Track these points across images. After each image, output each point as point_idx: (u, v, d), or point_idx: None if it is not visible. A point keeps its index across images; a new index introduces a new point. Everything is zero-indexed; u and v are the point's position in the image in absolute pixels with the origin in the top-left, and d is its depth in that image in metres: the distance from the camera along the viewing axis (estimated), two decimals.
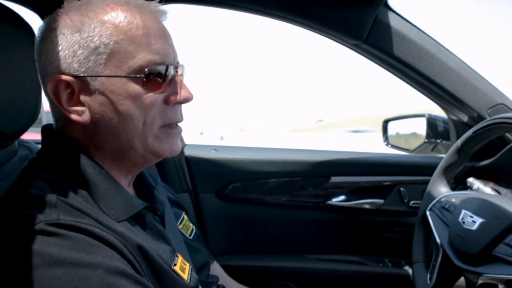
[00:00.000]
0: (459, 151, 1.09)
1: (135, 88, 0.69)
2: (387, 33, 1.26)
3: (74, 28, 0.68)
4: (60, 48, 0.69)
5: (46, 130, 0.76)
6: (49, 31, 0.70)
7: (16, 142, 0.95)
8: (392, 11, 1.27)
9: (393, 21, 1.26)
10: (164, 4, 0.76)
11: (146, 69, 0.68)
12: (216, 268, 1.11)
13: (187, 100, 0.75)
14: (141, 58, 0.68)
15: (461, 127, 1.47)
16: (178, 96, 0.74)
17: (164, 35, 0.72)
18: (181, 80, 0.75)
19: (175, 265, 0.74)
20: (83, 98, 0.69)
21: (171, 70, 0.72)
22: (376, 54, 1.33)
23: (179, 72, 0.75)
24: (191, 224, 0.99)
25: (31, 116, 0.88)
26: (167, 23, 0.76)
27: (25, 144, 1.01)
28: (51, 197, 0.62)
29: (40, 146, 1.01)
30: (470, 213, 0.93)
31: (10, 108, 0.81)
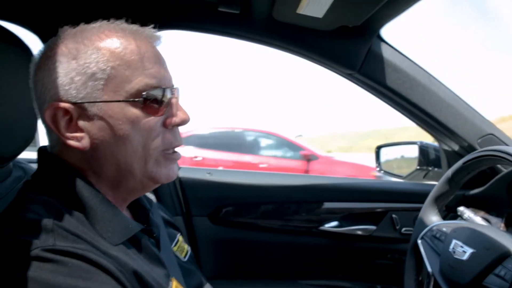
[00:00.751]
0: (450, 181, 1.11)
1: (134, 112, 0.69)
2: (380, 63, 1.29)
3: (70, 56, 0.69)
4: (57, 75, 0.69)
5: (42, 152, 0.76)
6: (45, 59, 0.71)
7: (11, 163, 0.95)
8: (385, 42, 1.31)
9: (385, 52, 1.30)
10: (159, 31, 0.78)
11: (143, 93, 0.69)
12: None
13: (184, 121, 0.76)
14: (138, 82, 0.69)
15: (452, 156, 1.49)
16: (176, 118, 0.75)
17: (158, 60, 0.74)
18: (177, 103, 0.76)
19: None
20: (81, 124, 0.70)
21: (168, 93, 0.73)
22: (369, 84, 1.36)
23: (175, 94, 0.76)
24: (186, 246, 0.98)
25: (27, 138, 0.88)
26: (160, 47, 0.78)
27: (19, 165, 1.01)
28: (47, 222, 0.62)
29: (34, 165, 1.01)
30: (460, 243, 0.94)
31: (7, 130, 0.81)
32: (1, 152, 0.80)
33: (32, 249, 0.57)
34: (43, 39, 1.23)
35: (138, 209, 0.86)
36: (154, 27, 0.77)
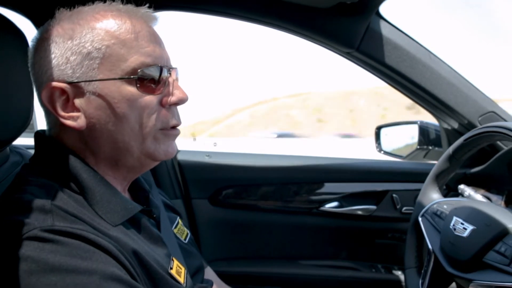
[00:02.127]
0: (451, 158, 1.11)
1: (130, 90, 0.70)
2: (379, 41, 1.27)
3: (66, 36, 0.70)
4: (53, 56, 0.70)
5: (39, 136, 0.76)
6: (42, 41, 0.72)
7: (8, 148, 0.95)
8: (384, 19, 1.29)
9: (385, 29, 1.28)
10: (155, 11, 0.77)
11: (139, 71, 0.69)
12: (209, 274, 1.11)
13: (182, 100, 0.76)
14: (134, 60, 0.69)
15: (452, 135, 1.48)
16: (173, 97, 0.74)
17: (155, 39, 0.74)
18: (175, 82, 0.76)
19: (171, 268, 0.74)
20: (78, 103, 0.70)
21: (165, 72, 0.73)
22: (368, 62, 1.34)
23: (173, 74, 0.76)
24: (185, 229, 0.99)
25: (23, 122, 0.87)
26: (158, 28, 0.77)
27: (16, 150, 1.01)
28: (46, 203, 0.62)
29: (31, 151, 1.01)
30: (461, 220, 0.94)
31: (2, 115, 0.80)
32: None
33: (30, 229, 0.58)
34: (36, 23, 1.21)
35: (138, 191, 0.87)
36: (149, 8, 0.76)
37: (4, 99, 0.81)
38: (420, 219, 1.11)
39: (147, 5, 0.76)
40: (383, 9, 1.26)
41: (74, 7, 0.74)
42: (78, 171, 0.70)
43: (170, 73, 0.75)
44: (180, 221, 0.99)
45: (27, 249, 0.56)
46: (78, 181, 0.69)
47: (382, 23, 1.28)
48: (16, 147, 1.01)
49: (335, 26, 1.27)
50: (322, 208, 1.57)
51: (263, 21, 1.30)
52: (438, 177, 1.14)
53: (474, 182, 1.33)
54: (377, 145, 1.78)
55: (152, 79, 0.71)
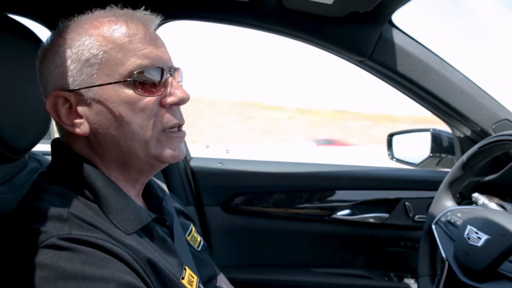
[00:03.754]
0: (465, 166, 1.10)
1: (128, 93, 0.70)
2: (392, 50, 1.28)
3: (66, 46, 0.71)
4: (54, 66, 0.71)
5: (55, 144, 0.78)
6: (46, 52, 0.74)
7: (26, 154, 0.97)
8: (397, 28, 1.29)
9: (397, 38, 1.28)
10: (165, 22, 0.78)
11: (134, 73, 0.70)
12: (222, 281, 1.11)
13: (182, 100, 0.75)
14: (131, 64, 0.70)
15: (466, 142, 1.47)
16: (173, 97, 0.74)
17: (152, 40, 0.74)
18: (175, 82, 0.75)
19: (183, 278, 0.74)
20: (80, 110, 0.71)
21: (164, 73, 0.73)
22: (381, 71, 1.34)
23: (176, 76, 0.76)
24: (198, 236, 0.99)
25: (41, 130, 0.89)
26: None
27: (34, 157, 1.03)
28: (63, 212, 0.63)
29: (48, 157, 1.03)
30: (475, 229, 0.93)
31: (21, 123, 0.82)
32: (16, 144, 0.81)
33: (48, 237, 0.58)
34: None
35: (152, 198, 0.87)
36: (161, 18, 0.78)
37: (23, 107, 0.83)
38: (433, 227, 1.10)
39: (143, 7, 0.77)
40: (395, 17, 1.26)
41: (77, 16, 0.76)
42: (93, 180, 0.71)
43: (170, 74, 0.75)
44: (193, 228, 0.99)
45: (45, 257, 0.57)
46: (93, 189, 0.70)
47: (395, 31, 1.28)
48: (34, 153, 1.03)
49: (347, 35, 1.28)
50: (334, 216, 1.57)
51: (276, 30, 1.31)
52: (451, 185, 1.13)
53: (488, 190, 1.32)
54: (389, 152, 1.77)
55: (151, 80, 0.71)
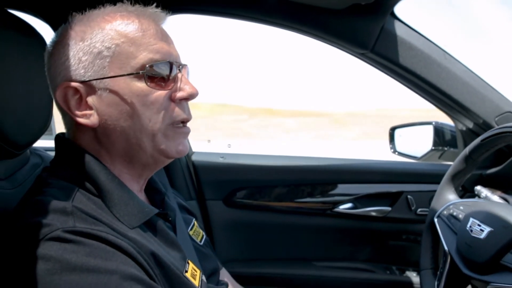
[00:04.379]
0: (467, 158, 1.10)
1: (139, 86, 0.71)
2: (394, 42, 1.27)
3: (78, 38, 0.72)
4: (66, 58, 0.72)
5: (59, 139, 0.78)
6: (56, 45, 0.74)
7: (28, 150, 0.97)
8: (399, 20, 1.28)
9: (399, 30, 1.27)
10: (171, 15, 0.79)
11: (147, 66, 0.71)
12: (224, 275, 1.12)
13: (192, 95, 0.76)
14: (142, 57, 0.71)
15: (468, 135, 1.47)
16: (183, 92, 0.75)
17: (163, 37, 0.75)
18: (185, 77, 0.77)
19: (186, 271, 0.75)
20: (90, 101, 0.72)
21: (174, 68, 0.74)
22: (383, 63, 1.34)
23: (184, 72, 0.77)
24: (201, 230, 1.00)
25: (42, 125, 0.90)
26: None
27: (36, 152, 1.03)
28: (67, 205, 0.64)
29: (50, 153, 1.03)
30: (478, 222, 0.93)
31: (22, 118, 0.82)
32: (18, 140, 0.81)
33: (53, 230, 0.59)
34: (54, 27, 1.24)
35: (154, 193, 0.88)
36: (166, 11, 0.78)
37: (25, 103, 0.83)
38: (436, 220, 1.10)
39: (155, 6, 0.78)
40: (398, 9, 1.25)
41: (89, 10, 0.77)
42: (97, 174, 0.71)
43: (179, 69, 0.76)
44: (196, 222, 1.00)
45: (50, 249, 0.57)
46: (96, 184, 0.71)
47: (397, 23, 1.28)
48: (36, 149, 1.04)
49: (349, 27, 1.27)
50: (336, 209, 1.57)
51: (278, 23, 1.31)
52: (454, 178, 1.13)
53: (491, 183, 1.32)
54: (391, 146, 1.77)
55: (161, 74, 0.73)
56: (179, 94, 0.75)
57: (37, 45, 0.86)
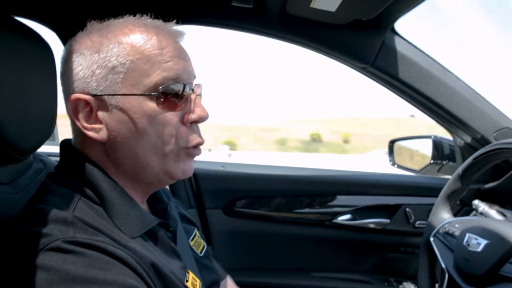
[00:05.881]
0: (461, 178, 1.09)
1: (151, 106, 0.70)
2: (394, 57, 1.29)
3: (94, 49, 0.71)
4: (80, 68, 0.71)
5: (64, 145, 0.78)
6: (71, 52, 0.73)
7: (31, 155, 0.98)
8: (399, 36, 1.30)
9: (399, 45, 1.29)
10: (180, 25, 0.79)
11: (160, 87, 0.70)
12: (228, 284, 1.11)
13: (202, 119, 0.76)
14: (156, 76, 0.70)
15: (467, 150, 1.48)
16: (194, 115, 0.75)
17: (180, 54, 0.74)
18: (197, 99, 0.76)
19: (187, 281, 0.75)
20: (101, 115, 0.71)
21: (187, 89, 0.73)
22: (383, 78, 1.35)
23: (196, 91, 0.76)
24: (202, 241, 0.99)
25: (46, 131, 0.90)
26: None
27: (39, 158, 1.03)
28: (67, 215, 0.63)
29: (53, 158, 1.04)
30: (474, 236, 0.93)
31: (26, 123, 0.83)
32: (21, 145, 0.82)
33: (53, 240, 0.59)
34: (60, 34, 1.25)
35: (157, 202, 0.88)
36: (177, 22, 0.78)
37: (29, 108, 0.84)
38: (431, 239, 1.10)
39: (175, 20, 0.77)
40: (398, 25, 1.27)
41: (103, 20, 0.76)
42: (99, 183, 0.71)
43: (193, 90, 0.75)
44: (197, 233, 0.99)
45: (50, 260, 0.57)
46: (98, 192, 0.70)
47: (397, 39, 1.29)
48: (39, 154, 1.04)
49: (350, 42, 1.29)
50: (335, 221, 1.57)
51: (280, 36, 1.32)
52: (449, 197, 1.13)
53: (489, 197, 1.33)
54: (390, 158, 1.78)
55: (174, 95, 0.72)
56: (190, 117, 0.74)
57: (43, 52, 0.86)
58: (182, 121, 0.74)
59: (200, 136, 0.77)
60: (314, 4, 1.13)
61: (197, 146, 0.77)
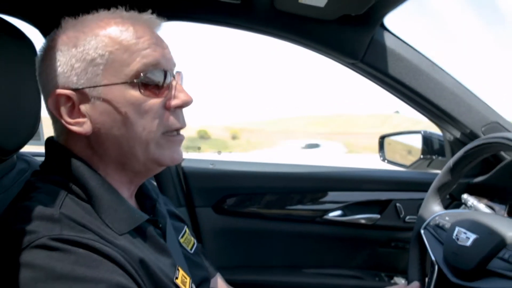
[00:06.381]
0: (451, 170, 1.10)
1: (133, 94, 0.70)
2: (383, 52, 1.29)
3: (71, 44, 0.70)
4: (58, 64, 0.71)
5: (49, 143, 0.77)
6: (48, 50, 0.73)
7: (15, 155, 0.96)
8: (388, 31, 1.30)
9: (389, 41, 1.29)
10: (167, 21, 0.78)
11: (141, 74, 0.70)
12: (218, 281, 1.11)
13: (186, 103, 0.76)
14: (136, 64, 0.70)
15: (456, 145, 1.49)
16: (177, 100, 0.74)
17: (158, 42, 0.74)
18: (179, 85, 0.76)
19: (176, 278, 0.74)
20: (83, 109, 0.71)
21: (168, 76, 0.73)
22: (372, 73, 1.35)
23: (177, 78, 0.77)
24: (192, 238, 0.99)
25: (30, 130, 0.88)
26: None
27: (23, 157, 1.02)
28: (54, 212, 0.63)
29: (37, 158, 1.02)
30: (464, 230, 0.94)
31: (10, 122, 0.81)
32: (5, 145, 0.80)
33: (39, 237, 0.58)
34: (44, 32, 1.23)
35: (145, 199, 0.87)
36: (163, 18, 0.77)
37: (13, 107, 0.82)
38: (422, 231, 1.11)
39: (150, 10, 0.77)
40: (387, 20, 1.27)
41: (80, 16, 0.76)
42: (86, 179, 0.70)
43: (174, 77, 0.75)
44: (187, 230, 0.99)
45: (35, 257, 0.57)
46: (86, 189, 0.70)
47: (386, 34, 1.29)
48: (23, 154, 1.02)
49: (339, 38, 1.28)
50: (325, 217, 1.58)
51: (268, 32, 1.32)
52: (439, 190, 1.14)
53: (478, 191, 1.34)
54: (380, 154, 1.78)
55: (155, 82, 0.72)
56: (174, 102, 0.74)
57: (26, 50, 0.85)
58: (166, 107, 0.74)
59: (183, 121, 0.77)
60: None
61: (178, 131, 0.77)
